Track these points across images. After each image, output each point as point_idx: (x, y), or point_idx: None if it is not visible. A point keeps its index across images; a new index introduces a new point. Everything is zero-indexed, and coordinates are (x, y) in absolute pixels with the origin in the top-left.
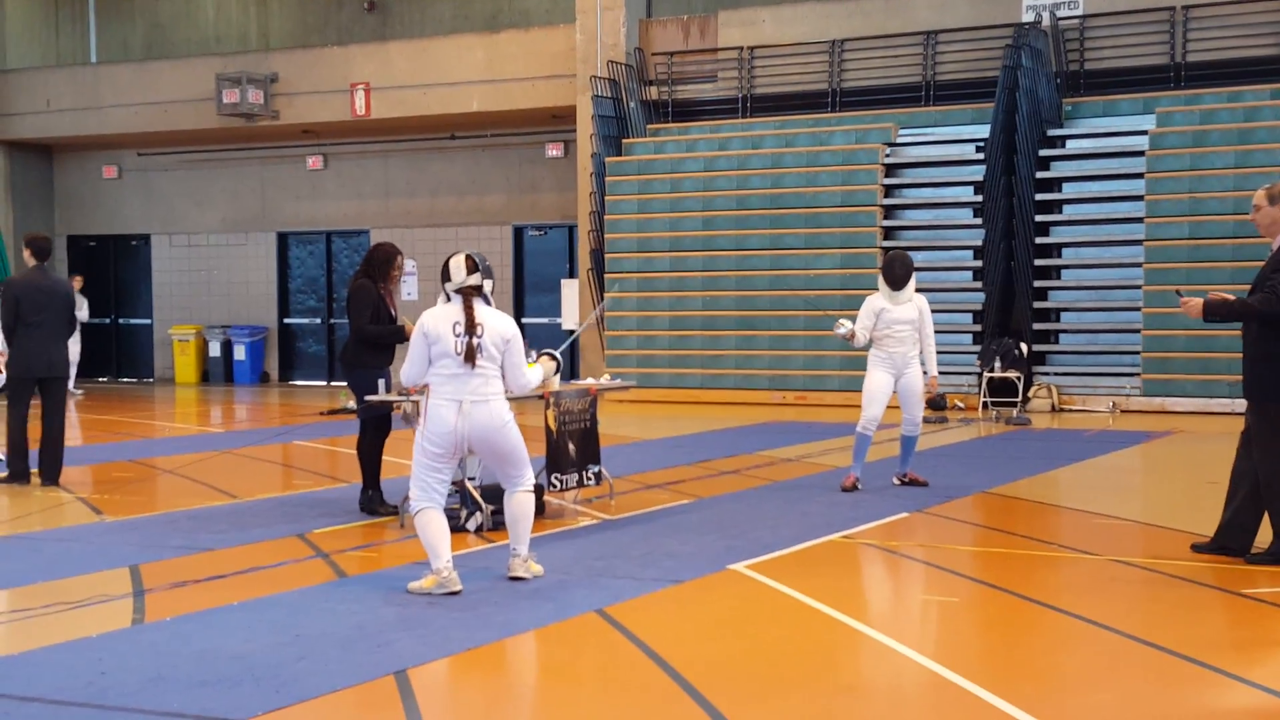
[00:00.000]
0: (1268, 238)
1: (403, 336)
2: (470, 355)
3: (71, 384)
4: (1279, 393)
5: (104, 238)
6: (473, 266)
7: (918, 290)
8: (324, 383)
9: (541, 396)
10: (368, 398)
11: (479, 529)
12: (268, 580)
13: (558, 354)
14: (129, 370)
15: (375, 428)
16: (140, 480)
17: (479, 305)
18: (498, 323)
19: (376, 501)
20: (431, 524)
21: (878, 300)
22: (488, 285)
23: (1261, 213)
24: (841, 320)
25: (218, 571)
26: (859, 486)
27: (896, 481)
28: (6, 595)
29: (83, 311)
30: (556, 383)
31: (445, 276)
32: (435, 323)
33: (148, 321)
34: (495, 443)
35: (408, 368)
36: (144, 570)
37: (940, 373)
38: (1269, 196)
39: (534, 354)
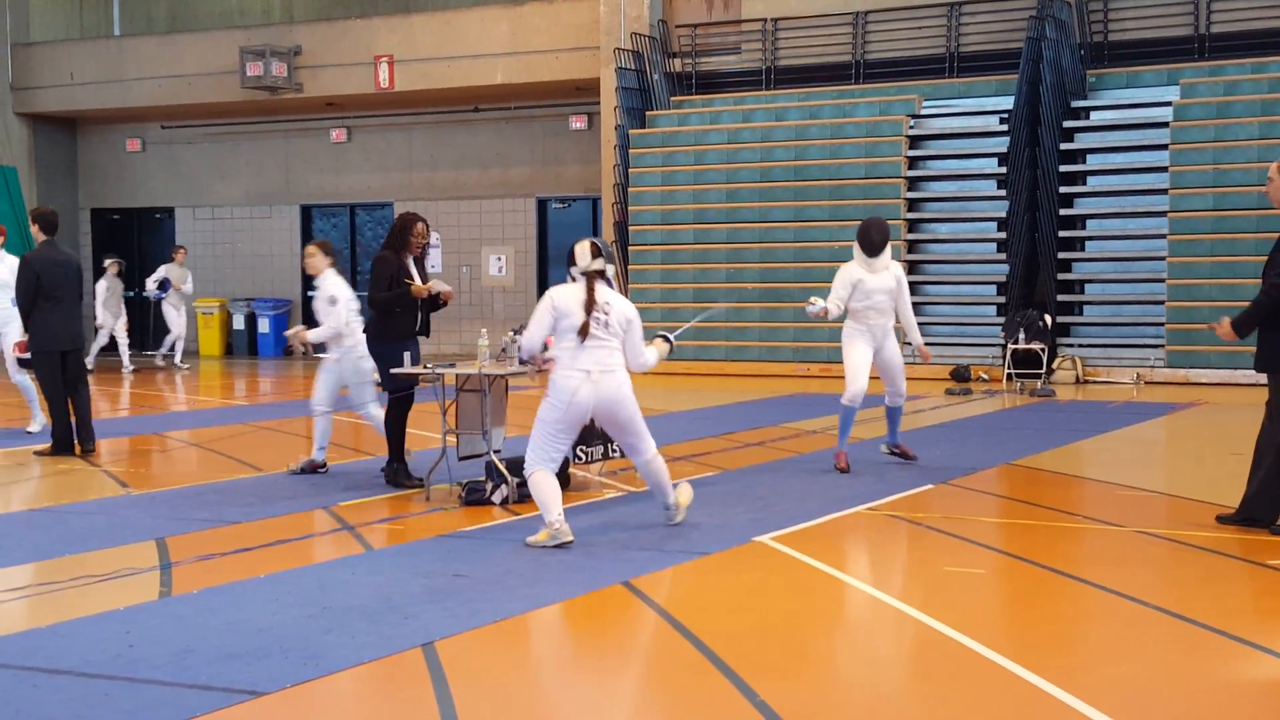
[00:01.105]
0: None
1: (408, 299)
2: (586, 331)
3: (126, 360)
4: None
5: (128, 211)
6: (597, 252)
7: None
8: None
9: None
10: (392, 370)
11: (504, 502)
12: (294, 553)
13: (671, 337)
14: (151, 344)
15: (399, 401)
16: (165, 453)
17: (602, 287)
18: (621, 304)
19: (402, 474)
20: (543, 484)
21: (854, 270)
22: (610, 269)
23: (1275, 185)
24: (813, 298)
25: (244, 545)
26: (849, 467)
27: (885, 450)
28: (34, 568)
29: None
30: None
31: (571, 260)
32: (565, 299)
33: None
34: (618, 411)
35: (530, 333)
36: (170, 543)
37: (964, 343)
38: None
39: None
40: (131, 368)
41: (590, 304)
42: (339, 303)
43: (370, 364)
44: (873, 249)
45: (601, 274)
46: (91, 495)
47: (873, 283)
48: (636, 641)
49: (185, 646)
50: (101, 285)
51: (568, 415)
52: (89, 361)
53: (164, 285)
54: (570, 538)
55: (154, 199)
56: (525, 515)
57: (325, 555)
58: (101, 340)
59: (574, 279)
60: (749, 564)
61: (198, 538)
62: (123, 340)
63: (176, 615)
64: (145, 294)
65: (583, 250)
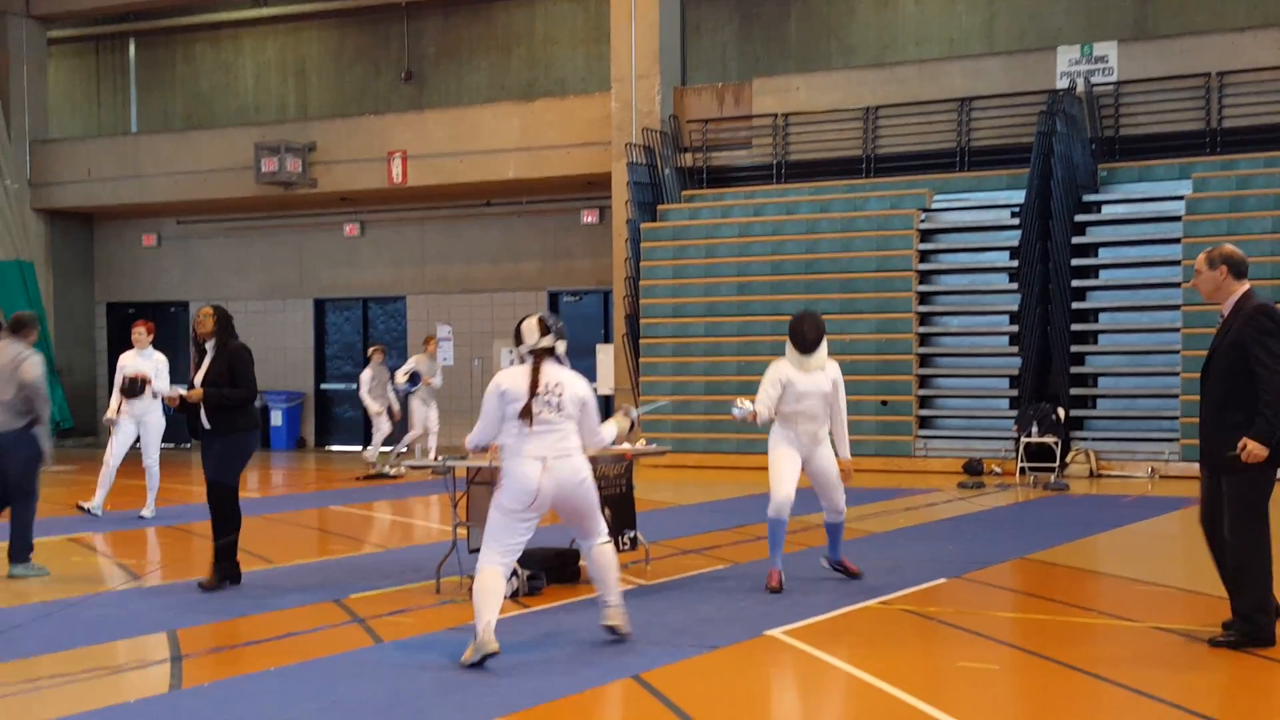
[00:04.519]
0: (1215, 304)
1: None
2: (527, 414)
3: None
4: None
5: (143, 305)
6: (544, 329)
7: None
8: (360, 448)
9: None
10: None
11: (515, 594)
12: (304, 646)
13: (633, 414)
14: (166, 436)
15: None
16: (177, 545)
17: (551, 366)
18: (573, 384)
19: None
20: (487, 585)
21: (783, 368)
22: (560, 346)
23: (1202, 278)
24: (739, 401)
25: (254, 637)
26: (782, 587)
27: (825, 565)
28: (47, 660)
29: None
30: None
31: (518, 339)
32: (511, 382)
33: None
34: (576, 497)
35: (481, 427)
36: (181, 635)
37: (977, 436)
38: (1208, 260)
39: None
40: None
41: (534, 385)
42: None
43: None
44: (805, 346)
45: (550, 351)
46: (104, 586)
47: (804, 384)
48: None
49: None
50: (367, 374)
51: (521, 506)
52: (370, 455)
53: (414, 378)
54: (495, 649)
55: (169, 293)
56: (536, 608)
57: (335, 648)
58: (384, 428)
59: (521, 360)
60: (760, 658)
61: (208, 630)
62: (382, 431)
63: (187, 709)
64: (395, 387)
65: (530, 327)
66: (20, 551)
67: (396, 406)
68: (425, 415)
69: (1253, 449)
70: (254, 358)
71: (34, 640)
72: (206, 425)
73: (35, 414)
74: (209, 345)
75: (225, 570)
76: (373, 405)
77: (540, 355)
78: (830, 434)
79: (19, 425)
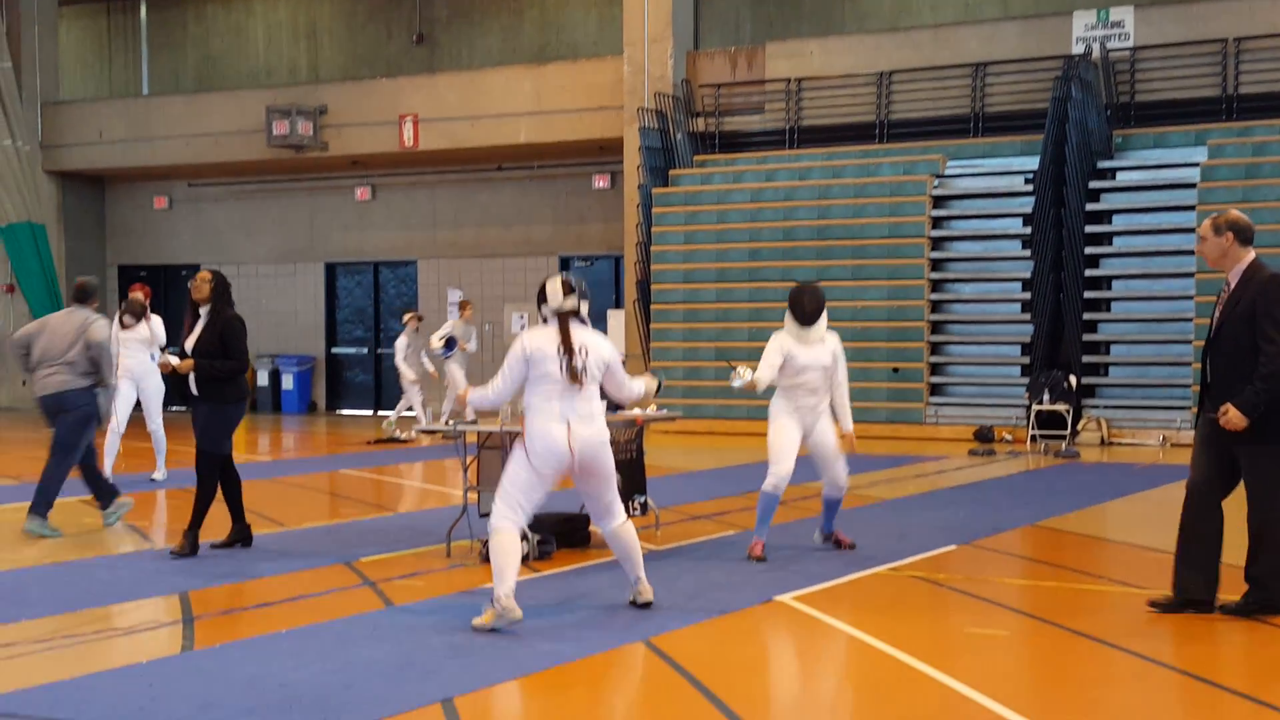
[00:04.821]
0: (1221, 270)
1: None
2: (575, 375)
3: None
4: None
5: (154, 268)
6: (569, 289)
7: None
8: (370, 412)
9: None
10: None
11: (525, 558)
12: (315, 608)
13: (660, 377)
14: (176, 398)
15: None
16: (188, 507)
17: (577, 327)
18: (598, 345)
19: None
20: (505, 546)
21: (785, 340)
22: (584, 307)
23: (1207, 244)
24: (738, 369)
25: (266, 599)
26: (766, 557)
27: (819, 539)
28: (59, 620)
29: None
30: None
31: (542, 299)
32: (538, 343)
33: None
34: (598, 461)
35: (501, 385)
36: (193, 597)
37: (988, 404)
38: (1214, 226)
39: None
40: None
41: (569, 345)
42: None
43: None
44: (806, 318)
45: (575, 313)
46: (116, 549)
47: (805, 357)
48: (658, 701)
49: (207, 701)
50: (402, 341)
51: (548, 468)
52: (390, 421)
53: (450, 343)
54: (519, 615)
55: (180, 256)
56: (545, 572)
57: (346, 610)
58: (415, 398)
59: (545, 320)
60: (770, 624)
61: (220, 592)
62: (412, 400)
63: (198, 670)
64: (430, 352)
65: (554, 288)
66: (40, 505)
67: (432, 369)
68: (460, 379)
69: (1233, 417)
70: (246, 329)
71: (46, 601)
72: (195, 392)
73: (100, 375)
74: (204, 311)
75: (194, 540)
76: (408, 373)
77: (565, 317)
78: (832, 405)
79: (82, 385)
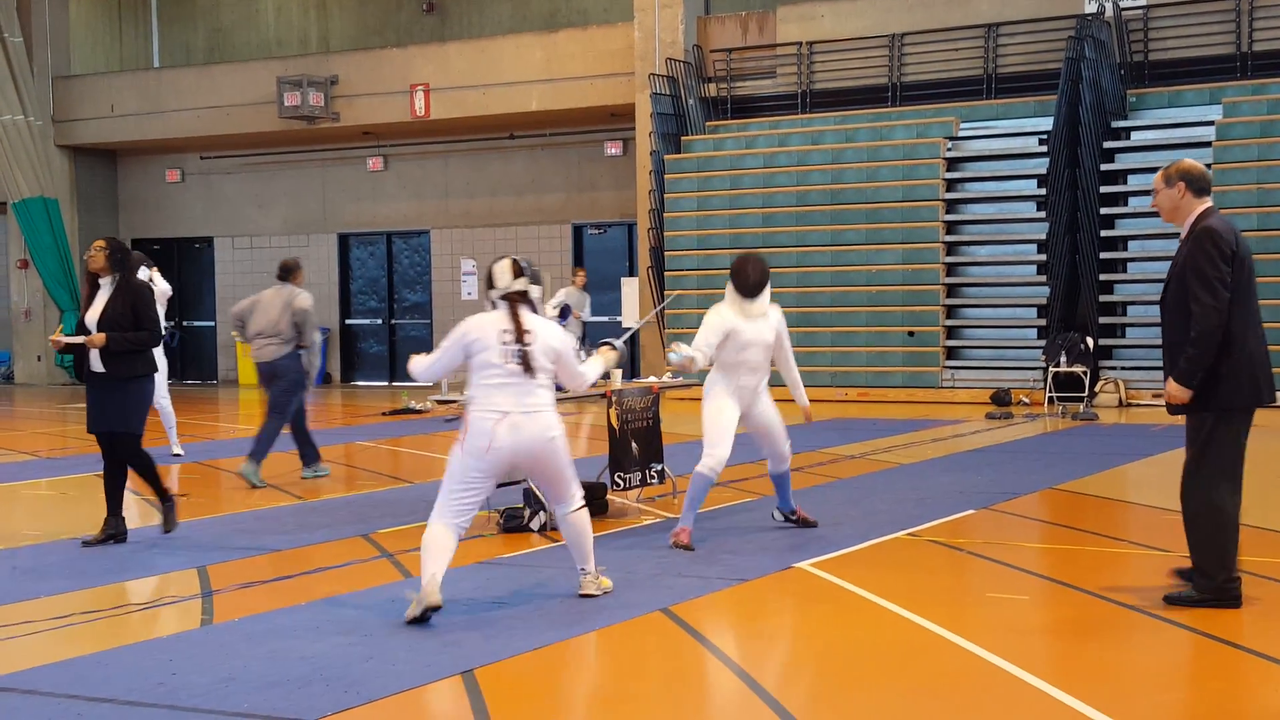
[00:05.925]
0: (1175, 223)
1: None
2: (527, 365)
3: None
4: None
5: (167, 241)
6: (518, 271)
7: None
8: (385, 383)
9: (604, 395)
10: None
11: (543, 528)
12: (334, 581)
13: (618, 344)
14: (192, 373)
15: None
16: (206, 482)
17: (526, 313)
18: (547, 332)
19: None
20: (432, 539)
21: (727, 315)
22: (534, 291)
23: (1160, 197)
24: (675, 345)
25: (284, 572)
26: (693, 545)
27: (779, 517)
28: (78, 596)
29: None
30: (619, 377)
31: (489, 283)
32: (481, 328)
33: (210, 324)
34: (543, 458)
35: (431, 362)
36: (212, 571)
37: (1005, 367)
38: (1165, 177)
39: (582, 353)
40: None
41: (519, 333)
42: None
43: None
44: (748, 289)
45: (524, 295)
46: (134, 524)
47: (749, 333)
48: (677, 670)
49: (227, 675)
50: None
51: (483, 463)
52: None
53: (564, 312)
54: (436, 601)
55: (193, 229)
56: (563, 542)
57: (365, 582)
58: None
59: (493, 304)
60: (789, 590)
61: (238, 565)
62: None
63: (218, 643)
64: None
65: (502, 269)
66: (258, 454)
67: None
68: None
69: (1171, 390)
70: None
71: (65, 576)
72: (99, 369)
73: (306, 341)
74: (104, 282)
75: (116, 526)
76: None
77: (515, 299)
78: (787, 382)
79: (288, 352)
